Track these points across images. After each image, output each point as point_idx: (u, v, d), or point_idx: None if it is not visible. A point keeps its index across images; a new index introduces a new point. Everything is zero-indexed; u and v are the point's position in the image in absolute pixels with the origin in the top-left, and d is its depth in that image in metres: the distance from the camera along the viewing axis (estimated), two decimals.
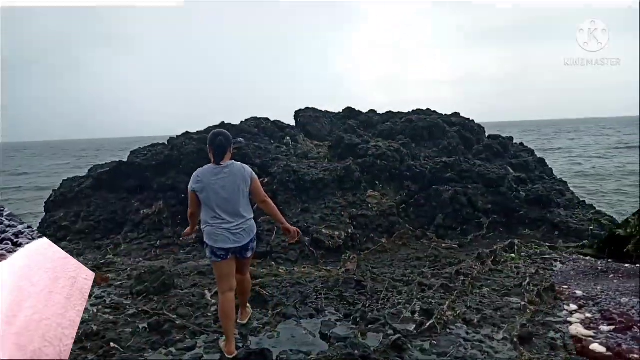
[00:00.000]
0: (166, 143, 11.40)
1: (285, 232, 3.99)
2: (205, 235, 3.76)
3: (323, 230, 7.72)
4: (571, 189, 11.38)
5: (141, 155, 10.79)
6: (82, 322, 4.42)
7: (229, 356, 3.75)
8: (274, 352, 3.78)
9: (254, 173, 3.85)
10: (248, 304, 4.50)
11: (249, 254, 3.90)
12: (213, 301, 4.92)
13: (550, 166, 12.82)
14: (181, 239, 4.55)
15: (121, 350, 3.91)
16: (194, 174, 3.76)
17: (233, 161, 3.81)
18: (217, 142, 3.74)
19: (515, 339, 3.97)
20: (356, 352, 3.65)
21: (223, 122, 12.77)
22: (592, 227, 8.13)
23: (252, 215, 3.86)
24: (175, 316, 4.53)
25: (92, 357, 3.80)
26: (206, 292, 5.33)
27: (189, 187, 3.76)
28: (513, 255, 6.79)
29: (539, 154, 13.75)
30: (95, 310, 4.81)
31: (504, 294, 5.20)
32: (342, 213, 8.42)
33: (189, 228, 4.01)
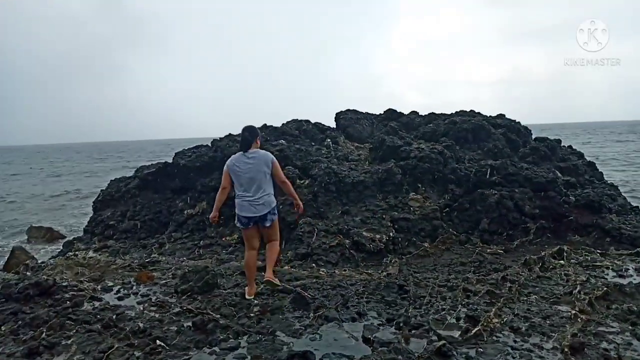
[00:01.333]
0: (210, 145, 11.62)
1: (296, 205, 5.24)
2: (235, 205, 5.00)
3: (364, 233, 7.66)
4: (623, 193, 10.89)
5: (185, 157, 11.03)
6: (129, 319, 4.55)
7: (248, 297, 5.01)
8: (317, 354, 3.76)
9: (275, 159, 5.02)
10: (287, 305, 4.73)
11: (268, 224, 4.98)
12: (255, 301, 4.96)
13: (600, 171, 12.30)
14: (210, 221, 5.13)
15: (167, 348, 3.97)
16: (229, 159, 5.10)
17: (258, 149, 5.02)
18: (243, 137, 5.05)
19: (566, 349, 3.80)
20: (400, 357, 3.59)
21: (265, 125, 12.91)
22: None
23: (272, 192, 5.00)
24: (218, 316, 4.58)
25: (138, 354, 3.87)
26: None
27: (224, 167, 5.07)
28: (562, 261, 6.52)
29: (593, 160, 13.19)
30: (141, 308, 4.93)
31: (553, 301, 5.00)
32: (383, 216, 8.33)
33: (214, 210, 5.17)
